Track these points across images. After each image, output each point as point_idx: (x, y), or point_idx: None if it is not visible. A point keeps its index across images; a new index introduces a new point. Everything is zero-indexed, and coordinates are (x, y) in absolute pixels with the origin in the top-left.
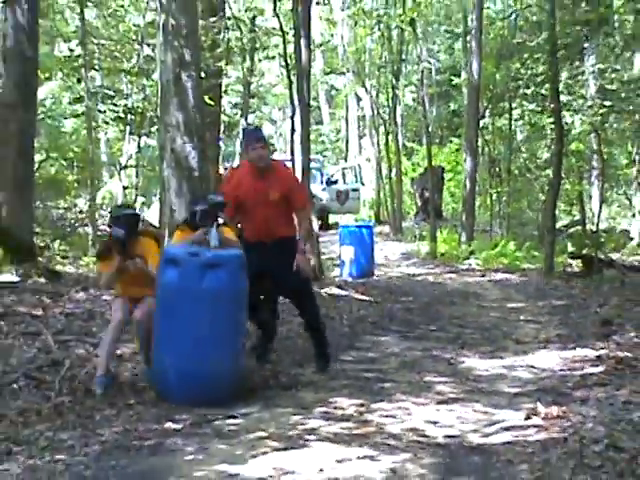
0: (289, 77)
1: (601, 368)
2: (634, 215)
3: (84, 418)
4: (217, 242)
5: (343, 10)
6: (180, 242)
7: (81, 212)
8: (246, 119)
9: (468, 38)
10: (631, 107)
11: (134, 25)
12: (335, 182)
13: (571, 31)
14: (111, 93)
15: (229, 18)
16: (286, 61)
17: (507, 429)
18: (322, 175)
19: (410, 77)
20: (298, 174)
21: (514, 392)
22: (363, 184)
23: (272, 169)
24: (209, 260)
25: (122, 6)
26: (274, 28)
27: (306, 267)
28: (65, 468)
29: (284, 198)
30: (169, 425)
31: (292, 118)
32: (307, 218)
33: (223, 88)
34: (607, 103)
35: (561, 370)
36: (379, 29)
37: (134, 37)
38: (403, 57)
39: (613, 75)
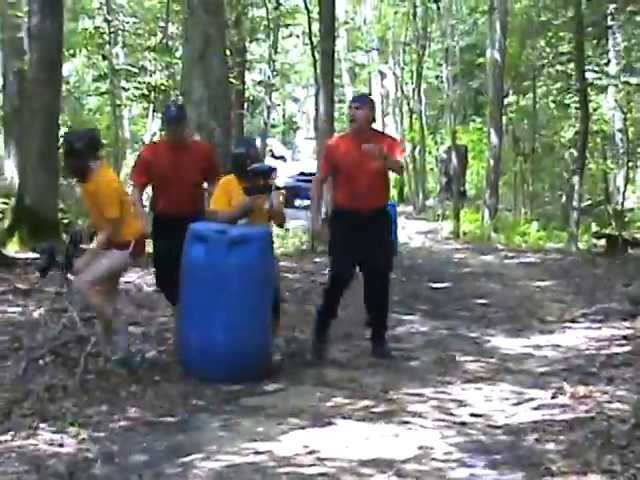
0: (313, 55)
1: (627, 348)
2: None
3: (110, 394)
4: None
5: None
6: (226, 192)
7: None
8: (270, 96)
9: (492, 16)
10: None
11: (159, 2)
12: None
13: (597, 9)
14: (135, 70)
15: None
16: (310, 39)
17: (534, 408)
18: None
19: (434, 55)
20: (321, 152)
21: (540, 371)
22: None
23: (374, 137)
24: (236, 238)
25: None
26: (298, 5)
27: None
28: (90, 444)
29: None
30: (195, 402)
31: (316, 96)
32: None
33: (247, 65)
34: (633, 81)
35: (587, 349)
36: (404, 6)
37: (159, 14)
38: (427, 35)
39: (639, 53)
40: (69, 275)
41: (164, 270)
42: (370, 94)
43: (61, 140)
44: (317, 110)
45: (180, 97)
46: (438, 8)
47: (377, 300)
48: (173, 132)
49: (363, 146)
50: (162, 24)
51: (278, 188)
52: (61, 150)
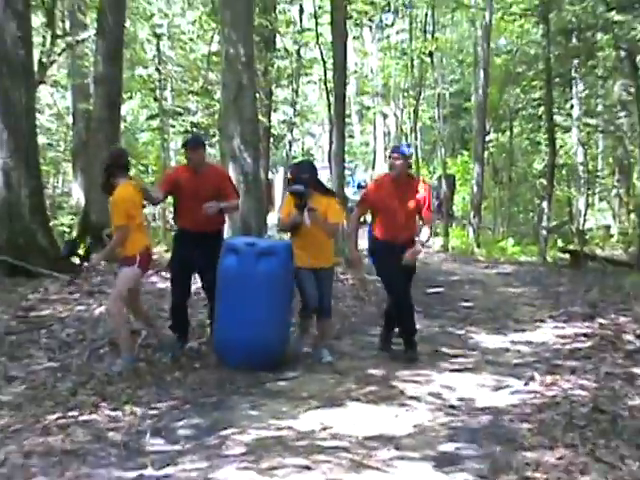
0: (328, 98)
1: (588, 344)
2: (614, 217)
3: (157, 379)
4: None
5: (373, 42)
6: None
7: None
8: (291, 133)
9: (477, 68)
10: (612, 127)
11: (201, 55)
12: (365, 186)
13: (564, 63)
14: (180, 111)
15: (279, 50)
16: (326, 85)
17: (510, 393)
18: (354, 181)
19: (428, 99)
20: (335, 180)
21: (515, 363)
22: None
23: (410, 181)
24: (263, 250)
25: (191, 39)
26: (315, 57)
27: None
28: (142, 420)
29: (417, 207)
30: (228, 386)
31: (330, 133)
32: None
33: (273, 107)
34: (592, 122)
35: (554, 345)
36: (403, 59)
37: (201, 64)
38: (422, 83)
39: (598, 100)
40: (86, 263)
41: (177, 275)
42: (409, 145)
43: None
44: (331, 144)
45: (217, 132)
46: (432, 61)
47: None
48: (191, 156)
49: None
50: (203, 72)
51: (312, 209)
52: None
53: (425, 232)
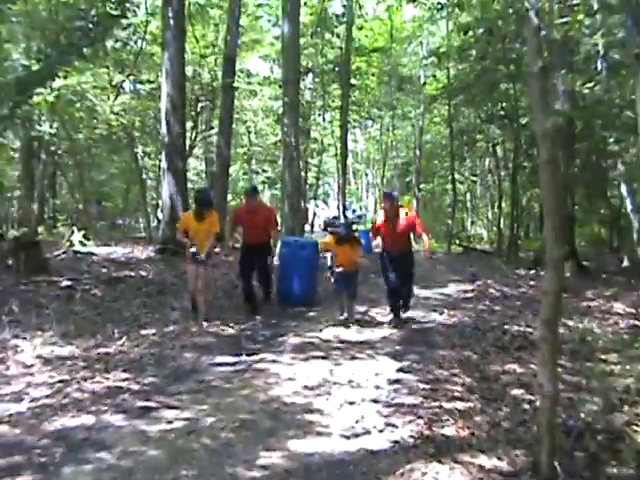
0: (337, 164)
1: (471, 294)
2: (485, 229)
3: (247, 313)
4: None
5: (362, 135)
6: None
7: None
8: (317, 182)
9: (415, 149)
10: (485, 182)
11: (272, 143)
12: (356, 211)
13: (459, 148)
14: (259, 170)
15: (313, 138)
16: (337, 157)
17: (432, 320)
18: (351, 207)
19: (389, 165)
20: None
21: (434, 304)
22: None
23: (397, 212)
24: (302, 244)
25: (267, 132)
26: (330, 143)
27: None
28: (239, 331)
29: (408, 229)
30: (286, 314)
31: (338, 182)
32: (427, 239)
33: (309, 168)
34: (475, 179)
35: (454, 295)
36: (377, 144)
37: (272, 146)
38: (387, 156)
39: (478, 168)
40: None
41: (243, 271)
42: (392, 190)
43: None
44: (339, 188)
45: (280, 182)
46: (392, 144)
47: (405, 291)
48: (249, 200)
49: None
50: (272, 150)
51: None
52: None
53: (425, 240)
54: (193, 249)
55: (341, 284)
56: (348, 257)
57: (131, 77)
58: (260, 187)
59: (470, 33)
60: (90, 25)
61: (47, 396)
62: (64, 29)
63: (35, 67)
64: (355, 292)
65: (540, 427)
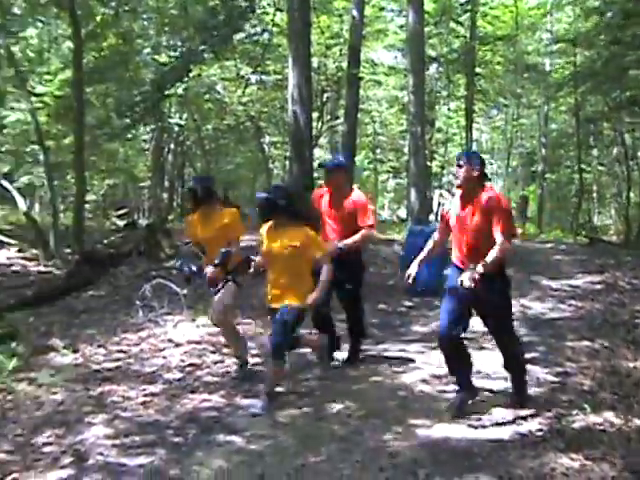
0: None
1: (600, 286)
2: (612, 218)
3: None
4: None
5: (487, 125)
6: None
7: None
8: (443, 168)
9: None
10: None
11: (401, 131)
12: None
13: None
14: (390, 158)
15: (439, 129)
16: (461, 146)
17: (560, 311)
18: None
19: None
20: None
21: (563, 295)
22: None
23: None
24: (428, 233)
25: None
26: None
27: None
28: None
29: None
30: (413, 303)
31: None
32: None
33: None
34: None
35: (582, 286)
36: (504, 134)
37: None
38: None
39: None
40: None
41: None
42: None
43: None
44: None
45: (405, 173)
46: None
47: None
48: (328, 180)
49: None
50: (402, 142)
51: None
52: None
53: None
54: (191, 266)
55: None
56: None
57: (258, 69)
58: (384, 176)
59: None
60: (222, 21)
61: (179, 379)
62: (194, 26)
63: (170, 65)
64: None
65: None
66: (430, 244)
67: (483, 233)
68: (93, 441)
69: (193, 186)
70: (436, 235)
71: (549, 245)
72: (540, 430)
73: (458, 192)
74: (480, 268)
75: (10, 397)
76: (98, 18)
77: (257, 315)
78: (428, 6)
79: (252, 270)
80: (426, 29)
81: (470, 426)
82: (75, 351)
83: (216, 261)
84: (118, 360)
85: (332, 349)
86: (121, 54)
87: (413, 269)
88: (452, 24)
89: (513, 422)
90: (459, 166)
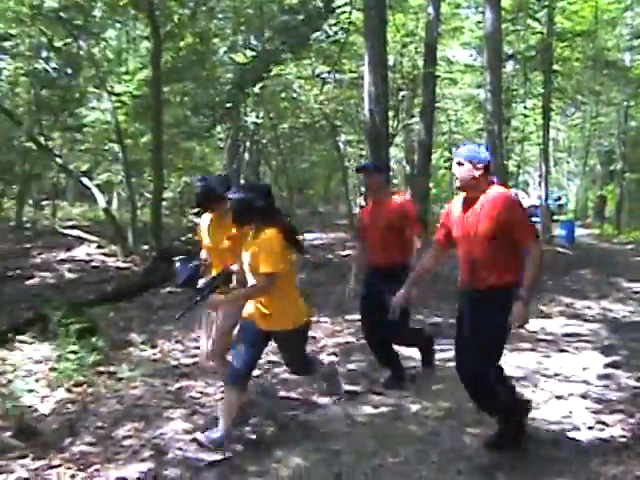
0: (540, 152)
1: None
2: None
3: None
4: None
5: (564, 123)
6: None
7: None
8: (519, 168)
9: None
10: None
11: (476, 129)
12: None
13: None
14: None
15: (515, 127)
16: (539, 145)
17: None
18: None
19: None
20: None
21: None
22: None
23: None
24: None
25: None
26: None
27: None
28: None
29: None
30: None
31: (540, 172)
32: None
33: None
34: None
35: None
36: (582, 132)
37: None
38: None
39: None
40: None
41: (362, 313)
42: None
43: None
44: (540, 176)
45: None
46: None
47: None
48: (367, 183)
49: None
50: (478, 141)
51: None
52: None
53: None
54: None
55: None
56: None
57: (335, 67)
58: None
59: None
60: (301, 21)
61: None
62: (273, 26)
63: (250, 65)
64: None
65: None
66: (424, 262)
67: (491, 242)
68: (172, 435)
69: (202, 189)
70: (432, 252)
71: (629, 246)
72: (623, 436)
73: (461, 195)
74: (525, 294)
75: (91, 390)
76: (176, 18)
77: None
78: (505, 2)
79: (235, 284)
80: (503, 26)
81: (549, 431)
82: (153, 346)
83: (216, 281)
84: (195, 356)
85: (430, 354)
86: (198, 53)
87: (401, 298)
88: (529, 20)
89: (593, 427)
90: (459, 164)
